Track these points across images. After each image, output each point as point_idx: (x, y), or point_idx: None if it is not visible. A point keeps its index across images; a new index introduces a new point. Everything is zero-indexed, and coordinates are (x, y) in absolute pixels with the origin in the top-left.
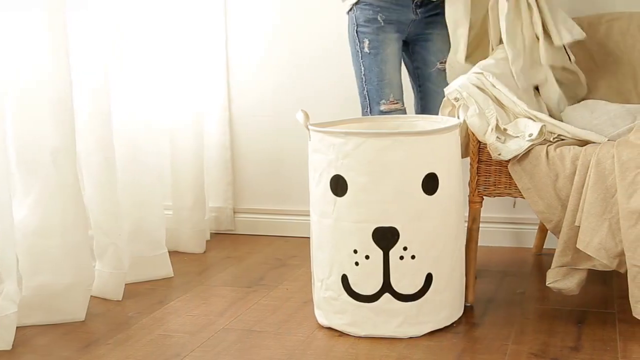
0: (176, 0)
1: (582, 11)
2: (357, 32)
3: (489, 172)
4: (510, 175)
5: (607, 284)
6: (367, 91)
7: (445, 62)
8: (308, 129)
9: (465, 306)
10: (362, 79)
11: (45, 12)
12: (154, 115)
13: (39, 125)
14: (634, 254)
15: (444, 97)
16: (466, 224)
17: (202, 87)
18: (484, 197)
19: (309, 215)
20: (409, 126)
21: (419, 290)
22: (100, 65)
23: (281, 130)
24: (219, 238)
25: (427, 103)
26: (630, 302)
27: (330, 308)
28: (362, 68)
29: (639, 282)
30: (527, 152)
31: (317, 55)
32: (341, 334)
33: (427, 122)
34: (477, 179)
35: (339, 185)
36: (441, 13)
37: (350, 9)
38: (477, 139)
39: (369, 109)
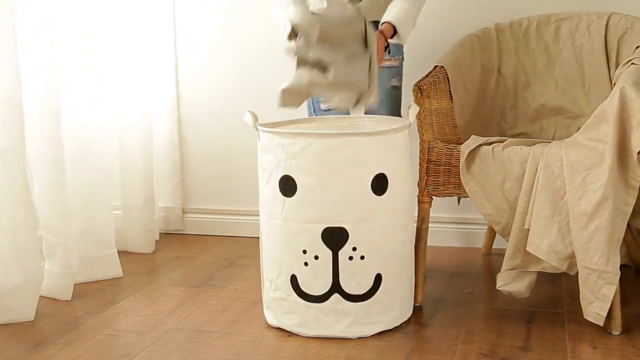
0: (125, 0)
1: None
2: None
3: (438, 173)
4: (459, 175)
5: (556, 284)
6: None
7: (384, 60)
8: (257, 130)
9: (414, 306)
10: None
11: None
12: (104, 115)
13: None
14: (585, 256)
15: (384, 94)
16: (415, 224)
17: (151, 87)
18: (433, 197)
19: (258, 215)
20: (358, 127)
21: (368, 291)
22: (49, 64)
23: (230, 129)
24: (168, 238)
25: None
26: (582, 304)
27: (280, 308)
28: None
29: (590, 284)
30: (474, 155)
31: (264, 55)
32: (290, 334)
33: (376, 122)
34: (426, 179)
35: (287, 186)
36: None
37: None
38: (427, 140)
39: (312, 108)
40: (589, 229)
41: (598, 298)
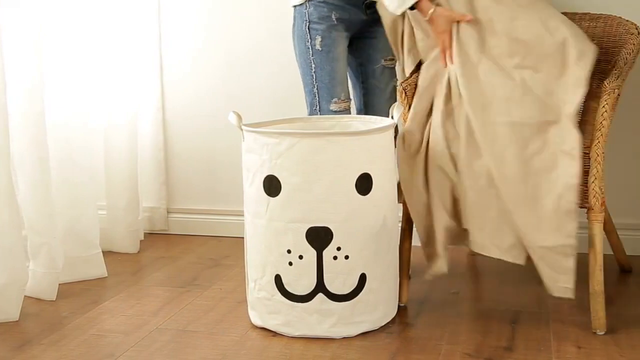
0: (110, 1)
1: None
2: (309, 29)
3: None
4: None
5: (541, 284)
6: (317, 89)
7: (389, 60)
8: (242, 130)
9: (399, 306)
10: (312, 76)
11: None
12: (88, 115)
13: None
14: (538, 237)
15: (388, 94)
16: (400, 224)
17: (136, 87)
18: None
19: (243, 215)
20: (343, 126)
21: (352, 291)
22: (34, 65)
23: (215, 130)
24: (153, 238)
25: (370, 100)
26: (547, 283)
27: (264, 308)
28: (313, 65)
29: (549, 260)
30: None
31: (249, 55)
32: (275, 334)
33: (361, 122)
34: None
35: (272, 186)
36: None
37: (302, 4)
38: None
39: (318, 107)
40: (537, 210)
41: (561, 273)
